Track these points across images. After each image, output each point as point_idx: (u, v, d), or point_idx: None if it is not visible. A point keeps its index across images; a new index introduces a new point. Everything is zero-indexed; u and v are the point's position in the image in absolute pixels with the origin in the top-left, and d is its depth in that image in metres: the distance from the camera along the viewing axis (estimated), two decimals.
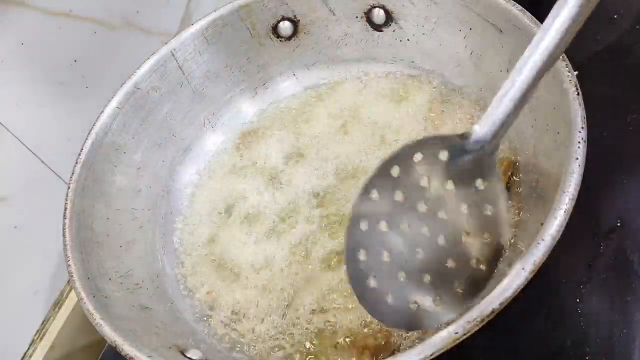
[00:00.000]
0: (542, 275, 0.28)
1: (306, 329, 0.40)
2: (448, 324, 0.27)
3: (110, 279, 0.40)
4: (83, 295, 0.36)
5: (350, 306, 0.40)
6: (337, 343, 0.39)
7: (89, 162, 0.44)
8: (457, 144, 0.30)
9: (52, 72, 0.49)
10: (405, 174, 0.31)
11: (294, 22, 0.53)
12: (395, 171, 0.31)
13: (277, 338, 0.40)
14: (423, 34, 0.50)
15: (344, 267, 0.32)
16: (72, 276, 0.37)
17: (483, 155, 0.29)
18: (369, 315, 0.32)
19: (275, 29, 0.53)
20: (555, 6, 0.26)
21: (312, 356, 0.39)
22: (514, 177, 0.42)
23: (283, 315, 0.41)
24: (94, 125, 0.46)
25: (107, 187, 0.45)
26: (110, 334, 0.33)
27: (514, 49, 0.42)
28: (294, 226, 0.46)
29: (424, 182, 0.31)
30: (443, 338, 0.27)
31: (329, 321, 0.40)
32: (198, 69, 0.52)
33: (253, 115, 0.56)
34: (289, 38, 0.54)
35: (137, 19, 0.56)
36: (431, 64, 0.51)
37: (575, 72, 0.35)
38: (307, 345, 0.39)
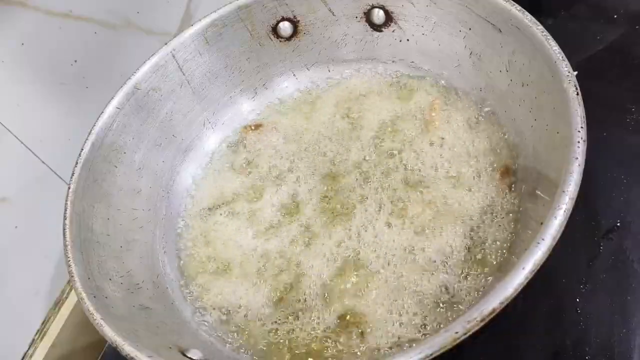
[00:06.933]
0: (542, 275, 0.28)
1: (309, 326, 0.40)
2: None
3: (110, 279, 0.40)
4: (83, 295, 0.36)
5: (356, 296, 0.40)
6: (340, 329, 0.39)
7: (89, 162, 0.44)
8: None
9: (52, 72, 0.49)
10: None
11: (294, 23, 0.53)
12: None
13: (278, 337, 0.40)
14: (423, 34, 0.50)
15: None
16: (72, 276, 0.37)
17: None
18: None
19: (275, 30, 0.53)
20: None
21: (313, 353, 0.39)
22: (513, 178, 0.42)
23: (285, 312, 0.41)
24: (94, 125, 0.46)
25: (108, 187, 0.45)
26: (111, 334, 0.33)
27: (514, 49, 0.42)
28: (294, 223, 0.46)
29: None
30: (443, 338, 0.27)
31: (332, 314, 0.40)
32: (198, 70, 0.52)
33: (253, 115, 0.56)
34: (289, 38, 0.54)
35: (137, 19, 0.57)
36: (431, 64, 0.51)
37: (575, 72, 0.36)
38: (308, 341, 0.39)
